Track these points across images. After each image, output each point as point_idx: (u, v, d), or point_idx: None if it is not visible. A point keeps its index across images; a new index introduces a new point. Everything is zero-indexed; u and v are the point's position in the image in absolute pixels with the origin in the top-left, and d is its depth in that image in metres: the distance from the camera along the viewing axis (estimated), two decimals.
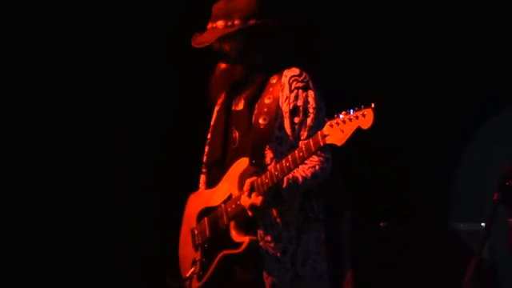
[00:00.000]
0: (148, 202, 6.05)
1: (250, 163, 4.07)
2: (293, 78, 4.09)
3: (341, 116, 3.71)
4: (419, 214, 5.50)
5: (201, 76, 4.30)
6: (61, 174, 6.01)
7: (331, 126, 3.72)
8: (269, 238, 4.04)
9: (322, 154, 4.00)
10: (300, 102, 4.04)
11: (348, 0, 5.77)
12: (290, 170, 3.89)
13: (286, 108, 4.07)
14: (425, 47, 5.63)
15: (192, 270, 4.25)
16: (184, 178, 4.68)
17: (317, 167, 4.00)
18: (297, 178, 3.98)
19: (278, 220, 4.05)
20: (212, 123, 4.40)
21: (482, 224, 4.97)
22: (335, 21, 5.73)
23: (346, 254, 5.43)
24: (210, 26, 4.18)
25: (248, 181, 4.00)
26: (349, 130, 3.67)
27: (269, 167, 4.00)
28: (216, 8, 4.18)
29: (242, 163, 4.10)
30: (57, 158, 6.01)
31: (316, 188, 4.09)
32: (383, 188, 5.67)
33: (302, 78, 4.08)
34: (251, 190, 3.97)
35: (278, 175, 3.90)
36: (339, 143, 3.70)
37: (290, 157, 3.88)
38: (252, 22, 4.11)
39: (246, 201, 3.99)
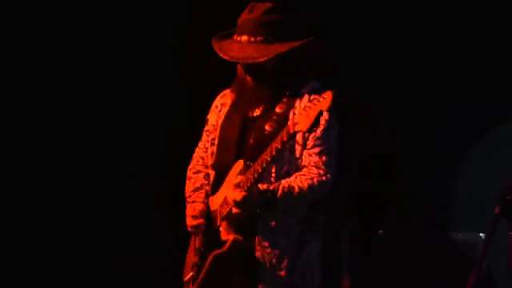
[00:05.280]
0: (149, 202, 6.05)
1: (245, 165, 4.07)
2: (313, 90, 4.08)
3: (308, 103, 3.84)
4: (418, 222, 5.47)
5: (203, 75, 4.26)
6: (63, 173, 6.01)
7: (301, 114, 3.80)
8: (266, 244, 4.05)
9: (323, 167, 4.00)
10: None
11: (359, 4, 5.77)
12: (267, 162, 3.91)
13: None
14: (428, 55, 5.62)
15: (191, 274, 4.28)
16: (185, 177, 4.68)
17: (314, 180, 3.99)
18: (293, 187, 3.98)
19: (274, 226, 4.06)
20: (217, 122, 4.32)
21: (481, 234, 4.97)
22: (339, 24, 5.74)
23: (345, 262, 5.44)
24: (246, 38, 4.06)
25: (237, 178, 4.03)
26: (312, 114, 3.77)
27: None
28: (248, 20, 4.06)
29: (239, 165, 4.11)
30: (59, 156, 6.01)
31: (325, 202, 4.10)
32: (382, 196, 5.65)
33: (321, 91, 4.04)
34: (237, 186, 4.00)
35: (258, 169, 3.93)
36: (305, 128, 3.79)
37: (268, 149, 3.91)
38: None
39: (230, 196, 4.02)
